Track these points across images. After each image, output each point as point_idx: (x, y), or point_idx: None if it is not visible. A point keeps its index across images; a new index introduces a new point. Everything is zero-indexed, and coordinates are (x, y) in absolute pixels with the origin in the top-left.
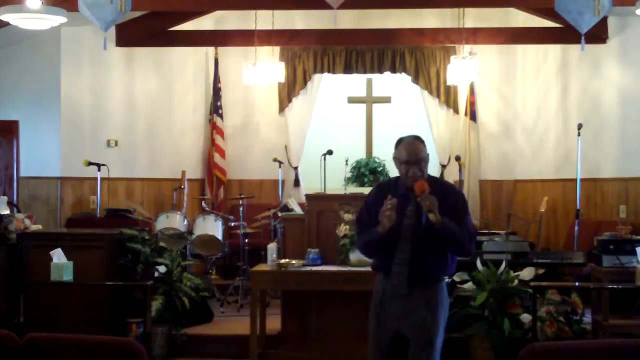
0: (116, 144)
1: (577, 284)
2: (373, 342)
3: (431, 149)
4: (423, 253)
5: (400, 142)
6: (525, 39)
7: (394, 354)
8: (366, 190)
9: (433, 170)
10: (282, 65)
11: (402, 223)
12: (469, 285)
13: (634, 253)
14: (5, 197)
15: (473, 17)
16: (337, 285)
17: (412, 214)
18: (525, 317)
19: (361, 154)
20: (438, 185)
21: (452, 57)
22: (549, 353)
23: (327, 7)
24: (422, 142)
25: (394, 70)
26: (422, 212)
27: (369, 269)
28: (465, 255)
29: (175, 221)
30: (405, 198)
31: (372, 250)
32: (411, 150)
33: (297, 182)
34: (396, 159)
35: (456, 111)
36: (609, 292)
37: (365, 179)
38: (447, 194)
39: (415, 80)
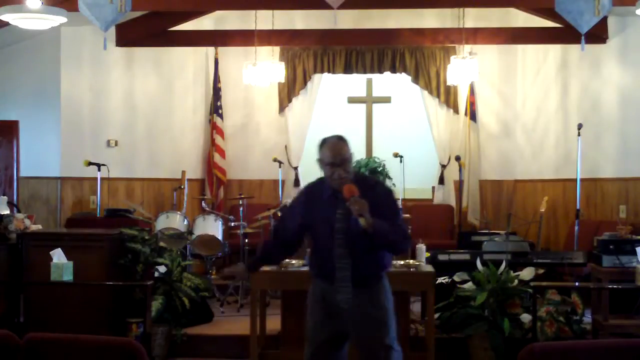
0: (116, 144)
1: (577, 284)
2: (312, 343)
3: (431, 149)
4: (361, 255)
5: (324, 143)
6: (525, 39)
7: (332, 354)
8: None
9: (433, 170)
10: (282, 65)
11: (334, 227)
12: (469, 285)
13: (634, 253)
14: (5, 197)
15: (473, 17)
16: None
17: (342, 217)
18: (525, 317)
19: (361, 154)
20: (365, 183)
21: (452, 57)
22: (549, 353)
23: (327, 7)
24: (346, 142)
25: (394, 70)
26: (351, 215)
27: None
28: (401, 253)
29: (175, 221)
30: (333, 200)
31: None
32: (336, 151)
33: (297, 182)
34: (320, 160)
35: (456, 111)
36: (609, 292)
37: None
38: (376, 193)
39: (415, 80)
